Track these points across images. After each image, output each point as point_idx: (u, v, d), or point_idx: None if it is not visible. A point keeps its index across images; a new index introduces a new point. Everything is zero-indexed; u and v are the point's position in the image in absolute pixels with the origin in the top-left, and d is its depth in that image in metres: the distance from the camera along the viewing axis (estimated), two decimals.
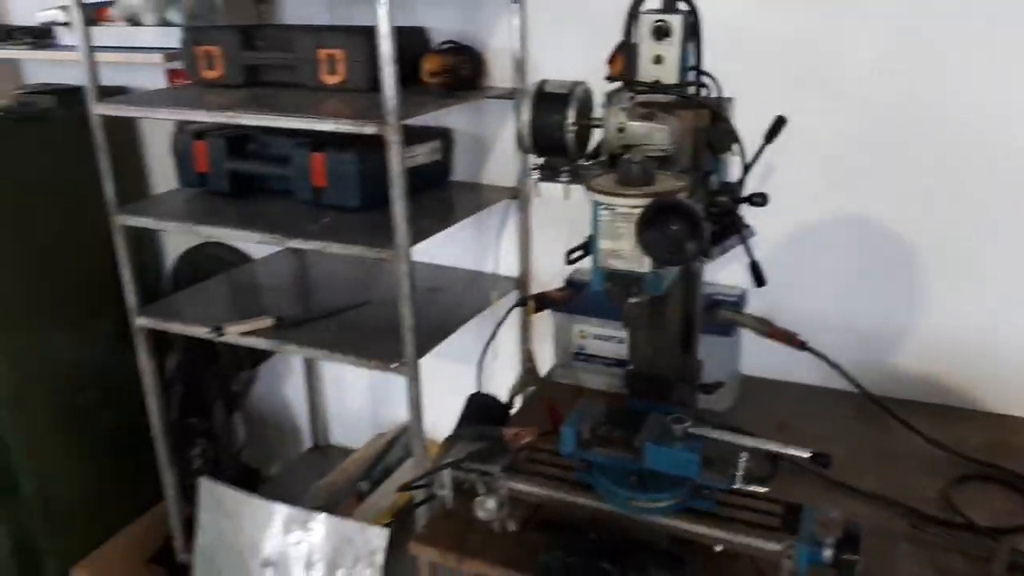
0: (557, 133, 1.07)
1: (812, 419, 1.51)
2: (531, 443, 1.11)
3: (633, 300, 1.00)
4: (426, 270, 1.89)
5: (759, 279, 1.21)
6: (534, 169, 1.12)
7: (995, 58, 1.43)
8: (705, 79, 1.24)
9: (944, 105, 1.48)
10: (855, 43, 1.51)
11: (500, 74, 1.82)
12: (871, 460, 1.37)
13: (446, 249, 1.92)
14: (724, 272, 1.67)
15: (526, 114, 1.09)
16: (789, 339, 1.36)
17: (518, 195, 1.83)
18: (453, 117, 1.87)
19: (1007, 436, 1.44)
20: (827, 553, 0.95)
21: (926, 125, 1.50)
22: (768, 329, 1.38)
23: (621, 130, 1.06)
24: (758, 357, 1.68)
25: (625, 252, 0.96)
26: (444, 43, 1.79)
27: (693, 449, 1.00)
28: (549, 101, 1.09)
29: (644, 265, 0.96)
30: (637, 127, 1.05)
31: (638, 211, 0.93)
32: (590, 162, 1.13)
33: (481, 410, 1.25)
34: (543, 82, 1.13)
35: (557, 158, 1.11)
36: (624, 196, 0.95)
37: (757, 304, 1.68)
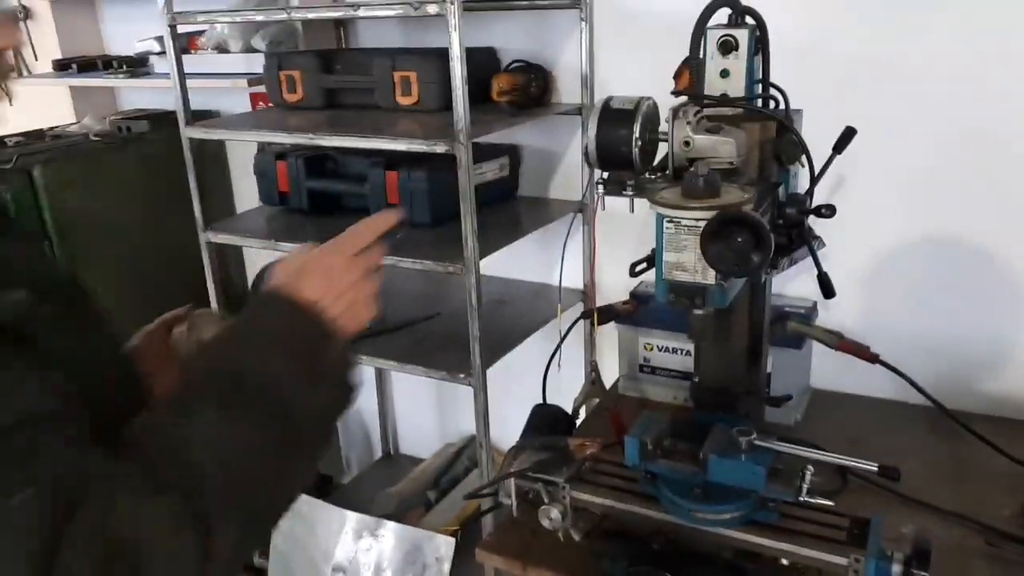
0: (623, 148, 1.10)
1: (884, 434, 1.48)
2: (595, 454, 1.12)
3: (698, 312, 1.02)
4: (494, 283, 1.93)
5: (828, 290, 1.20)
6: (599, 183, 1.14)
7: None
8: (773, 92, 1.25)
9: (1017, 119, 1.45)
10: (931, 58, 1.49)
11: (568, 91, 1.86)
12: (946, 476, 1.33)
13: (513, 262, 1.96)
14: (794, 284, 1.66)
15: (592, 130, 1.12)
16: (860, 351, 1.34)
17: (583, 209, 1.86)
18: (522, 134, 1.92)
19: None
20: (896, 568, 0.93)
21: (1000, 136, 1.46)
22: (838, 341, 1.36)
23: (687, 143, 1.08)
24: (830, 371, 1.65)
25: (689, 264, 0.98)
26: (514, 62, 1.84)
27: (758, 461, 1.00)
28: (615, 117, 1.11)
29: (709, 277, 0.97)
30: (703, 140, 1.07)
31: (702, 223, 0.94)
32: (656, 176, 1.15)
33: (546, 421, 1.28)
34: (609, 98, 1.15)
35: (623, 172, 1.14)
36: (688, 208, 0.97)
37: (829, 317, 1.66)
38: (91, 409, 0.64)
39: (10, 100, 0.83)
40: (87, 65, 2.34)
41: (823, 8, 1.54)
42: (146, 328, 1.02)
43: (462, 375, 1.54)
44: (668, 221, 0.97)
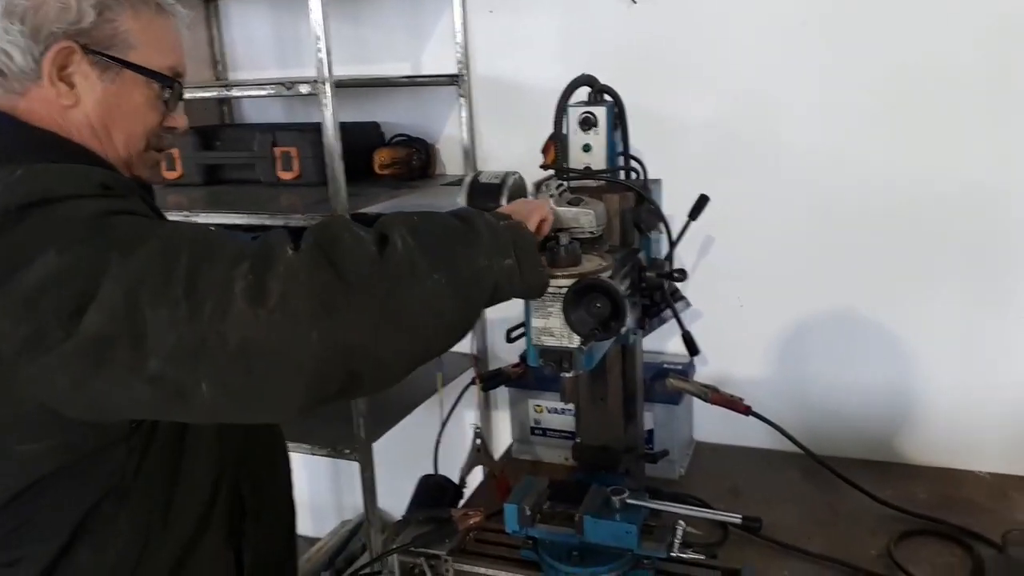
0: None
1: (763, 482, 1.55)
2: (478, 523, 1.13)
3: (567, 375, 1.05)
4: None
5: (692, 348, 1.27)
6: None
7: (909, 133, 1.54)
8: (633, 164, 1.33)
9: (864, 176, 1.58)
10: (787, 131, 1.61)
11: (452, 162, 1.91)
12: (819, 521, 1.40)
13: None
14: (674, 341, 1.72)
15: (463, 203, 1.16)
16: (733, 404, 1.40)
17: None
18: (408, 202, 1.95)
19: (951, 490, 1.48)
20: None
21: (851, 195, 1.59)
22: (712, 395, 1.42)
23: None
24: (712, 423, 1.72)
25: (555, 329, 1.01)
26: (396, 136, 1.88)
27: (631, 520, 1.03)
28: (483, 191, 1.16)
29: (574, 341, 1.01)
30: (565, 212, 1.11)
31: (564, 291, 0.98)
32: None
33: (432, 492, 1.28)
34: (478, 173, 1.20)
35: None
36: (552, 276, 1.01)
37: (707, 371, 1.74)
38: None
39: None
40: None
41: (683, 82, 1.66)
42: None
43: (347, 450, 1.52)
44: None
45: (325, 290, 0.75)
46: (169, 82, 0.95)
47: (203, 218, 1.55)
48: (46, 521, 0.86)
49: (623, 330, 1.02)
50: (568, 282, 0.99)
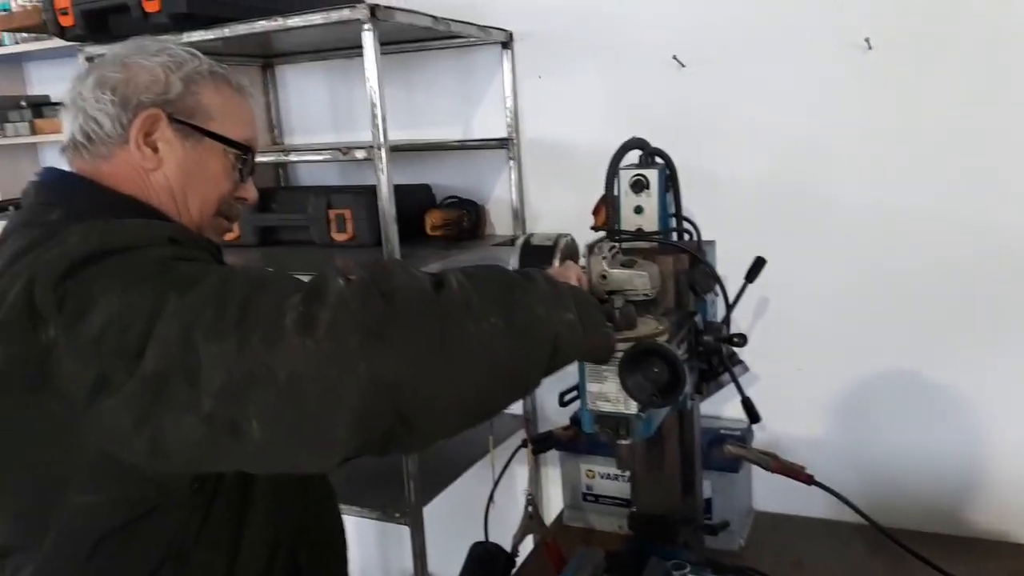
0: None
1: (827, 556, 1.48)
2: None
3: (623, 442, 1.02)
4: None
5: (752, 415, 1.22)
6: None
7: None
8: (686, 225, 1.31)
9: (925, 229, 1.54)
10: (838, 186, 1.59)
11: (501, 223, 1.92)
12: None
13: None
14: (731, 405, 1.68)
15: (515, 265, 1.16)
16: (795, 473, 1.35)
17: None
18: (459, 262, 1.95)
19: None
20: None
21: (911, 250, 1.55)
22: (773, 464, 1.37)
23: (604, 277, 1.11)
24: (772, 491, 1.65)
25: (611, 395, 0.99)
26: (447, 198, 1.91)
27: None
28: (535, 253, 1.15)
29: (631, 407, 0.98)
30: (618, 274, 1.10)
31: (620, 355, 0.96)
32: None
33: (484, 561, 1.24)
34: (530, 235, 1.19)
35: None
36: None
37: (765, 437, 1.68)
38: None
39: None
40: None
41: (732, 142, 1.65)
42: None
43: (397, 514, 1.50)
44: None
45: (375, 321, 0.73)
46: (245, 151, 1.01)
47: None
48: None
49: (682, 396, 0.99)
50: (624, 346, 0.96)
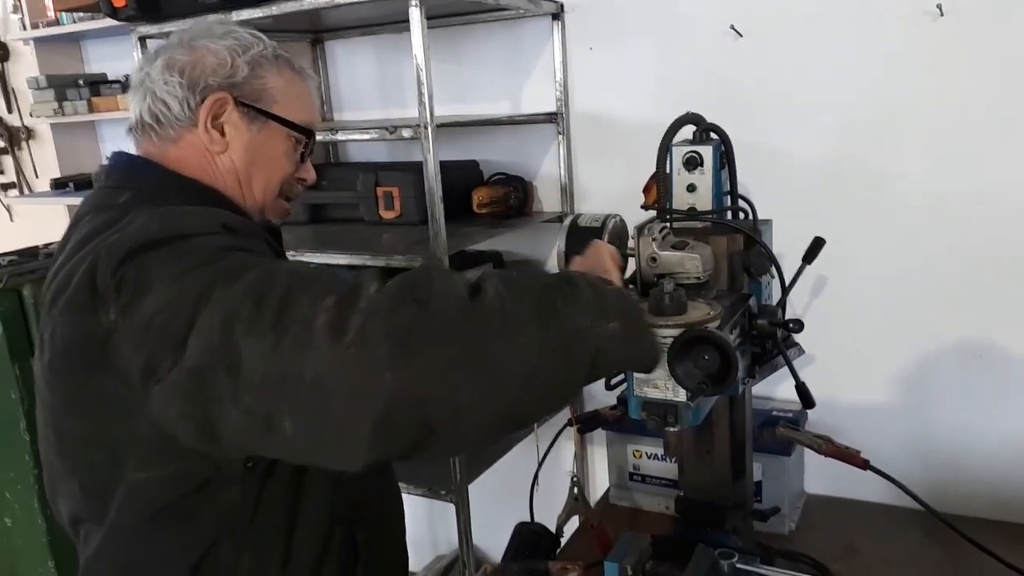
0: None
1: (881, 541, 1.44)
2: None
3: (671, 429, 1.00)
4: None
5: (806, 401, 1.19)
6: None
7: None
8: (741, 204, 1.27)
9: (990, 201, 1.47)
10: (902, 163, 1.52)
11: (549, 200, 1.90)
12: None
13: None
14: (784, 387, 1.64)
15: (562, 247, 1.14)
16: (850, 458, 1.31)
17: None
18: (507, 241, 1.95)
19: None
20: None
21: (975, 224, 1.48)
22: (826, 448, 1.33)
23: (653, 260, 1.09)
24: (824, 473, 1.61)
25: (660, 381, 0.97)
26: (495, 175, 1.89)
27: None
28: (582, 234, 1.13)
29: (679, 395, 0.96)
30: (668, 256, 1.08)
31: (670, 341, 0.94)
32: (630, 288, 1.15)
33: (528, 541, 1.24)
34: (577, 216, 1.17)
35: None
36: (655, 326, 0.97)
37: (819, 419, 1.64)
38: None
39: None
40: (84, 183, 2.40)
41: (790, 117, 1.59)
42: None
43: (443, 491, 1.51)
44: None
45: (405, 330, 0.72)
46: (307, 134, 1.03)
47: (307, 257, 1.59)
48: (162, 561, 0.88)
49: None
50: (674, 332, 0.94)
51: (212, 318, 0.74)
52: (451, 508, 1.56)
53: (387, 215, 1.75)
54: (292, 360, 0.71)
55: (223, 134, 0.96)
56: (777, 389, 1.64)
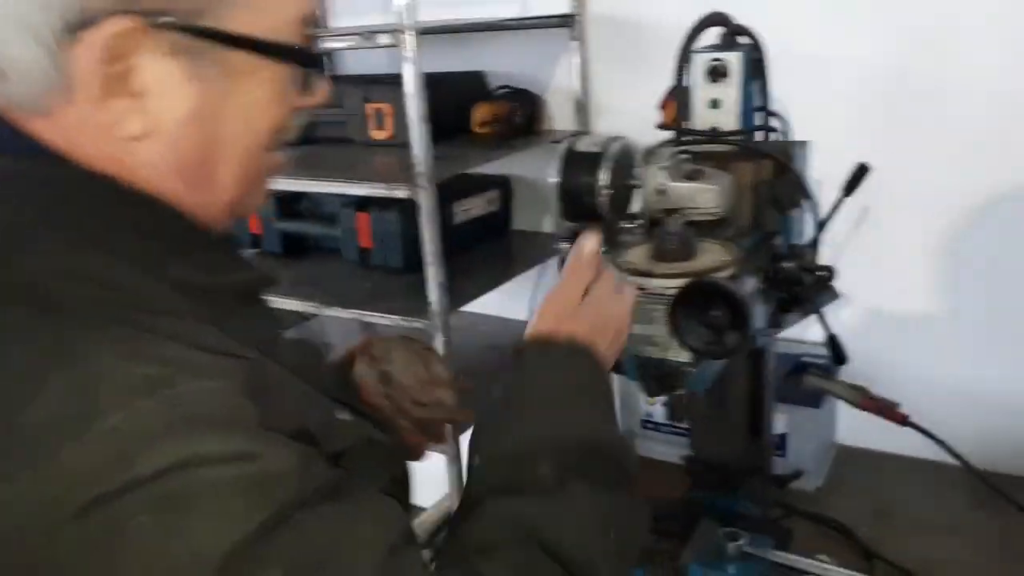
0: (587, 198, 0.94)
1: (918, 504, 1.30)
2: None
3: (672, 394, 0.86)
4: (491, 323, 1.79)
5: (838, 356, 1.04)
6: (561, 240, 0.98)
7: None
8: (774, 122, 1.09)
9: None
10: (963, 69, 1.31)
11: (561, 116, 1.71)
12: (991, 557, 1.14)
13: (510, 301, 1.81)
14: (815, 328, 1.48)
15: (555, 177, 0.97)
16: (888, 412, 1.16)
17: None
18: (515, 163, 1.77)
19: None
20: None
21: None
22: (861, 399, 1.19)
23: (661, 192, 0.92)
24: (858, 424, 1.46)
25: (660, 339, 0.82)
26: (500, 87, 1.70)
27: (747, 574, 0.84)
28: (580, 161, 0.96)
29: (682, 355, 0.81)
30: (679, 188, 0.91)
31: (672, 292, 0.78)
32: (634, 223, 0.99)
33: None
34: (574, 139, 1.00)
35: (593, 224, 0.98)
36: (655, 274, 0.81)
37: (855, 367, 1.48)
38: None
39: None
40: None
41: (837, 17, 1.37)
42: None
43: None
44: None
45: None
46: (306, 54, 0.58)
47: (292, 183, 1.43)
48: None
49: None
50: (675, 282, 0.79)
51: None
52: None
53: (377, 135, 1.58)
54: None
55: (138, 97, 0.51)
56: (808, 331, 1.47)
